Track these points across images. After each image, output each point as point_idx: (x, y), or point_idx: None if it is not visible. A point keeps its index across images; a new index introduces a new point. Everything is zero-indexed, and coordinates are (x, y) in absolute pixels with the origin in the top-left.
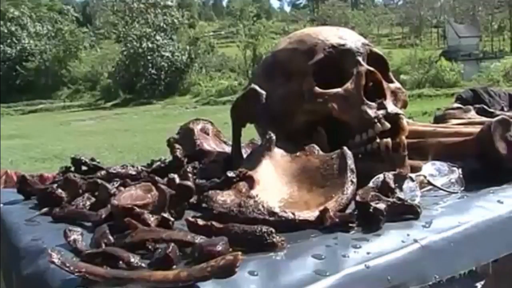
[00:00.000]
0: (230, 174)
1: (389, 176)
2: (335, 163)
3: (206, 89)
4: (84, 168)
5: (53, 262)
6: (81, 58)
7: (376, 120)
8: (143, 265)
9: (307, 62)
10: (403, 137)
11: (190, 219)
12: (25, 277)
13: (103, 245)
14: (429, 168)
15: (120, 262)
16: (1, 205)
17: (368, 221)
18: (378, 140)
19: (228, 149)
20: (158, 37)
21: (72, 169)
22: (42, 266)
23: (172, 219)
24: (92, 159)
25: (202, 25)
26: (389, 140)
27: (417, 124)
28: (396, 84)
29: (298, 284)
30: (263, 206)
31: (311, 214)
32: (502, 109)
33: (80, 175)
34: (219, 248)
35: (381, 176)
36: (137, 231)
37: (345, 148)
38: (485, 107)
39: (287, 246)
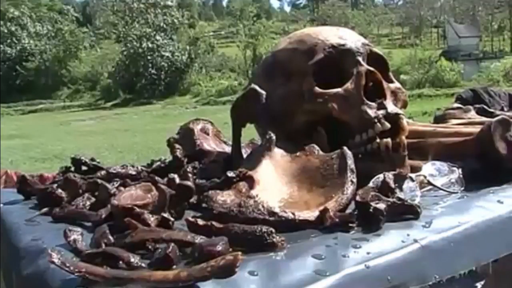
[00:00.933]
0: (230, 174)
1: (389, 176)
2: (335, 163)
3: (206, 89)
4: (84, 168)
5: (53, 262)
6: (81, 58)
7: (376, 120)
8: (143, 265)
9: (307, 62)
10: (403, 137)
11: (190, 219)
12: (25, 277)
13: (103, 245)
14: (429, 168)
15: (120, 262)
16: (1, 205)
17: (368, 221)
18: (378, 140)
19: (228, 149)
20: (158, 37)
21: (72, 169)
22: (42, 266)
23: (172, 219)
24: (92, 159)
25: (202, 25)
26: (389, 140)
27: (417, 124)
28: (396, 84)
29: (298, 284)
30: (263, 206)
31: (311, 214)
32: (502, 109)
33: (80, 175)
34: (219, 248)
35: (381, 176)
36: (137, 231)
37: (345, 148)
38: (485, 107)
39: (287, 246)
